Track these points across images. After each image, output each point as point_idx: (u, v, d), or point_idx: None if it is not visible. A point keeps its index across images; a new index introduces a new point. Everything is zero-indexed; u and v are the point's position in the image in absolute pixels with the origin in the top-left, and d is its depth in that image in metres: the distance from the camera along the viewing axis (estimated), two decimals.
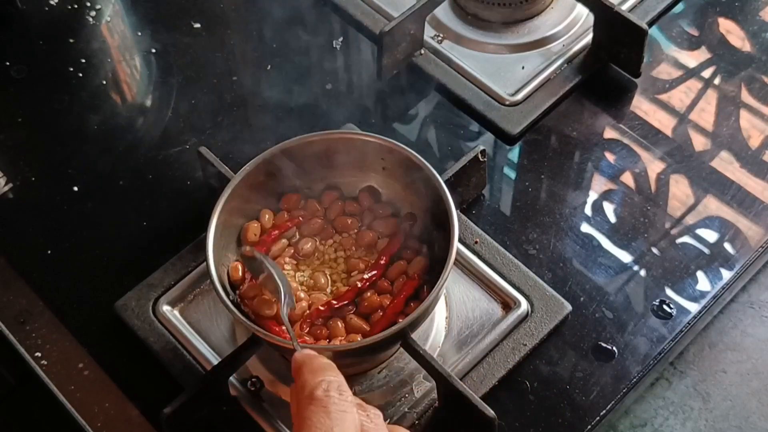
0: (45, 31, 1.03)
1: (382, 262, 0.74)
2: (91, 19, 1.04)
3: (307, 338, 0.71)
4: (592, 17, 0.93)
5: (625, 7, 0.95)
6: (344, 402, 0.54)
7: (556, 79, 0.94)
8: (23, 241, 0.87)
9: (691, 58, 0.96)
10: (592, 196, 0.87)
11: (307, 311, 0.72)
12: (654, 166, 0.88)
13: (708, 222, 0.84)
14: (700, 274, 0.81)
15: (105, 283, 0.83)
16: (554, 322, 0.77)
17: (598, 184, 0.88)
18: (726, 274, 0.81)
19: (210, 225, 0.72)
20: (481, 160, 0.83)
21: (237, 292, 0.73)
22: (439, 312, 0.79)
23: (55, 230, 0.87)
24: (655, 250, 0.82)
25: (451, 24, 0.98)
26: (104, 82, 0.99)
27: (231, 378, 0.75)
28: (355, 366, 0.75)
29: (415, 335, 0.72)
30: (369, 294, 0.73)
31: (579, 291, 0.80)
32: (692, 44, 0.97)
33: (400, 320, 0.68)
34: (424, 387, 0.75)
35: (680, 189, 0.87)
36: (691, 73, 0.95)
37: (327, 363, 0.59)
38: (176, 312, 0.80)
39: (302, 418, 0.53)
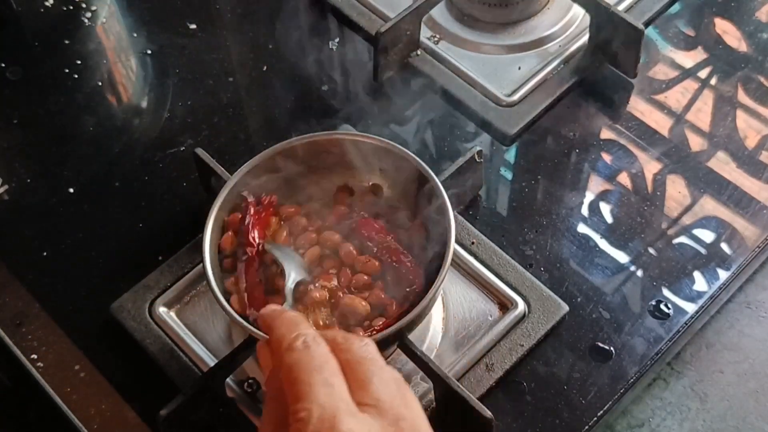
0: (40, 33, 1.03)
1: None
2: (86, 21, 1.03)
3: None
4: (588, 18, 0.93)
5: (621, 7, 0.95)
6: (324, 350, 0.54)
7: (553, 80, 0.93)
8: (19, 243, 0.86)
9: (688, 59, 0.96)
10: (589, 196, 0.87)
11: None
12: (651, 167, 0.88)
13: (705, 222, 0.84)
14: (697, 275, 0.81)
15: (101, 284, 0.83)
16: (551, 322, 0.77)
17: (595, 185, 0.88)
18: (723, 275, 0.81)
19: (206, 226, 0.72)
20: (477, 160, 0.83)
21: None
22: (436, 313, 0.79)
23: (51, 232, 0.87)
24: (651, 251, 0.82)
25: (448, 25, 0.98)
26: (100, 84, 0.99)
27: (228, 380, 0.75)
28: None
29: (412, 336, 0.72)
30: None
31: (576, 291, 0.80)
32: (688, 44, 0.97)
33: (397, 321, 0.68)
34: (421, 388, 0.75)
35: (677, 189, 0.86)
36: (687, 74, 0.95)
37: (297, 316, 0.58)
38: (172, 314, 0.80)
39: (287, 366, 0.53)
